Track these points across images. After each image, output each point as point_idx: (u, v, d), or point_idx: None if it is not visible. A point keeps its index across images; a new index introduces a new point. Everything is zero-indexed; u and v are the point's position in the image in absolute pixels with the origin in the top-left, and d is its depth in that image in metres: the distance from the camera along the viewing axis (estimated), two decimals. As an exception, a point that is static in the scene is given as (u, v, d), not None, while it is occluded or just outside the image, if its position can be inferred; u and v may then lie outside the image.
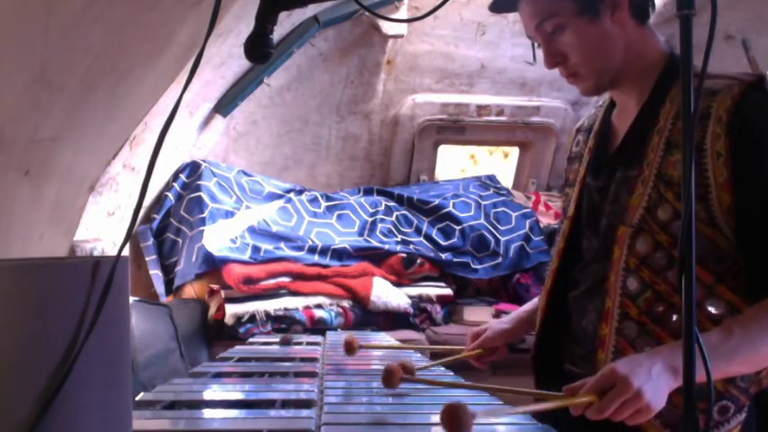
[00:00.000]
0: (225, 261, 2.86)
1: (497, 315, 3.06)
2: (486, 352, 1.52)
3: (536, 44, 1.33)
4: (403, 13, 3.10)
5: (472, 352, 1.51)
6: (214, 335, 2.82)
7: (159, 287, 3.01)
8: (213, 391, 1.27)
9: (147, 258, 3.06)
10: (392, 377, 1.18)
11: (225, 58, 2.76)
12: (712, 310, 1.15)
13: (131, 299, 1.47)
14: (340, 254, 3.10)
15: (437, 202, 3.44)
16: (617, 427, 1.17)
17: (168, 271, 3.06)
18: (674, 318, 1.16)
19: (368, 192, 3.51)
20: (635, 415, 1.03)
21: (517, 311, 1.61)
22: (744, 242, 1.14)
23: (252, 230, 3.04)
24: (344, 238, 3.18)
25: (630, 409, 1.02)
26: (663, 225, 1.17)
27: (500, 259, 3.32)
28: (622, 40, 1.24)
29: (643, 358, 1.06)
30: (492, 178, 3.80)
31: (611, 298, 1.21)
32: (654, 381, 1.02)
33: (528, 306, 1.61)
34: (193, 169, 3.18)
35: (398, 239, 3.25)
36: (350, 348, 1.53)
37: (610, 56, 1.24)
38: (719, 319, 1.15)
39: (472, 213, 3.43)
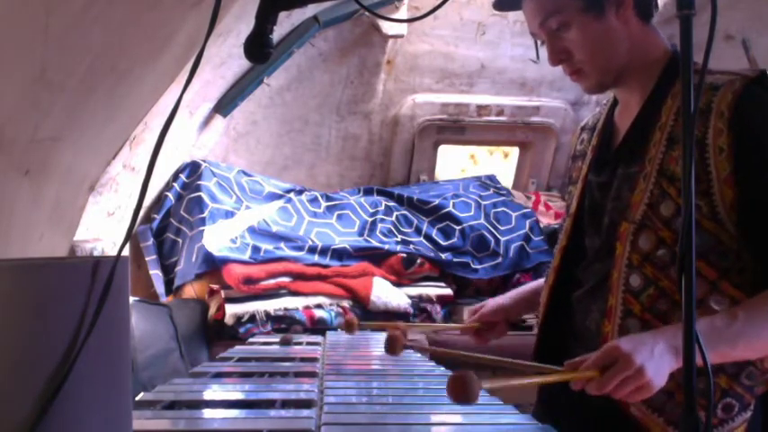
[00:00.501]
0: (225, 261, 2.86)
1: (497, 315, 3.07)
2: (484, 326, 1.53)
3: (539, 42, 1.32)
4: (403, 13, 3.10)
5: (470, 325, 1.53)
6: (214, 335, 2.82)
7: (159, 287, 3.01)
8: (213, 391, 1.27)
9: (147, 258, 3.06)
10: (395, 343, 1.18)
11: (225, 58, 2.76)
12: (715, 306, 1.15)
13: (131, 299, 1.47)
14: (340, 254, 3.10)
15: (437, 202, 3.44)
16: (619, 428, 1.17)
17: (168, 271, 3.06)
18: (678, 315, 1.16)
19: (368, 192, 3.51)
20: (635, 392, 1.03)
21: (517, 290, 1.63)
22: (746, 237, 1.14)
23: (252, 230, 3.03)
24: (344, 238, 3.17)
25: (631, 385, 1.02)
26: (665, 221, 1.17)
27: (500, 259, 3.32)
28: (626, 38, 1.24)
29: (646, 337, 1.07)
30: (492, 178, 3.80)
31: (614, 295, 1.21)
32: (656, 359, 1.03)
33: (529, 286, 1.62)
34: (193, 169, 3.18)
35: (398, 239, 3.24)
36: (349, 327, 1.55)
37: (614, 53, 1.24)
38: None
39: (472, 213, 3.43)
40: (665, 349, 1.04)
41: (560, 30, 1.24)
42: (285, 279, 2.92)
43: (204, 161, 3.22)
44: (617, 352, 1.03)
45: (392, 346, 1.19)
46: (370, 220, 3.30)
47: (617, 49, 1.24)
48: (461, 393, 0.89)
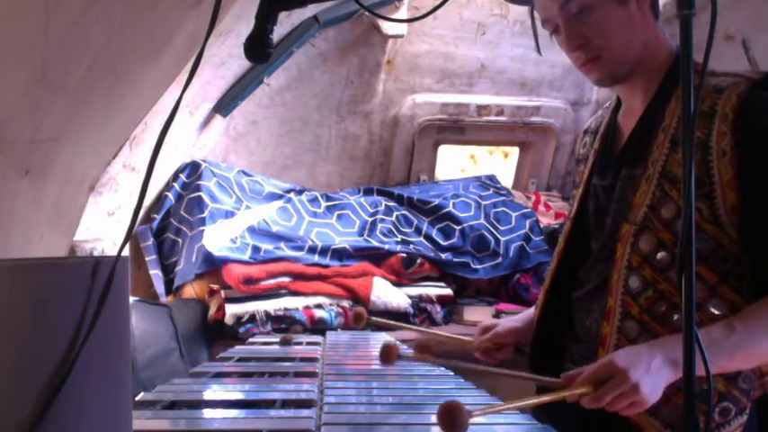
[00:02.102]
0: (225, 261, 2.86)
1: (497, 315, 3.06)
2: (493, 346, 1.51)
3: (538, 37, 1.32)
4: (403, 13, 3.10)
5: (481, 344, 1.50)
6: (214, 335, 2.82)
7: (159, 287, 3.01)
8: (213, 391, 1.27)
9: (147, 258, 3.06)
10: (389, 353, 1.18)
11: (225, 58, 2.76)
12: (714, 310, 1.15)
13: (131, 299, 1.47)
14: (340, 254, 3.10)
15: (437, 202, 3.44)
16: (616, 428, 1.17)
17: (168, 271, 3.06)
18: (675, 317, 1.16)
19: (368, 192, 3.51)
20: (629, 407, 1.03)
21: (528, 311, 1.61)
22: (748, 241, 1.14)
23: (252, 230, 3.03)
24: (344, 238, 3.17)
25: (626, 401, 1.03)
26: (666, 223, 1.17)
27: (500, 259, 3.32)
28: (643, 31, 1.23)
29: (643, 350, 1.07)
30: (492, 178, 3.80)
31: (614, 296, 1.21)
32: (652, 374, 1.03)
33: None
34: (193, 169, 3.18)
35: (398, 239, 3.24)
36: (358, 319, 1.57)
37: (632, 42, 1.23)
38: (721, 320, 1.15)
39: (472, 213, 3.42)
40: (663, 362, 1.04)
41: (581, 13, 1.22)
42: (285, 279, 2.92)
43: (204, 161, 3.22)
44: (612, 367, 1.03)
45: (387, 355, 1.19)
46: (370, 220, 3.30)
47: (635, 38, 1.23)
48: (450, 424, 0.90)
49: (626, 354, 1.06)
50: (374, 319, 1.66)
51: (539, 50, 1.38)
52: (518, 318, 1.55)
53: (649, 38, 1.24)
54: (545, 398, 1.05)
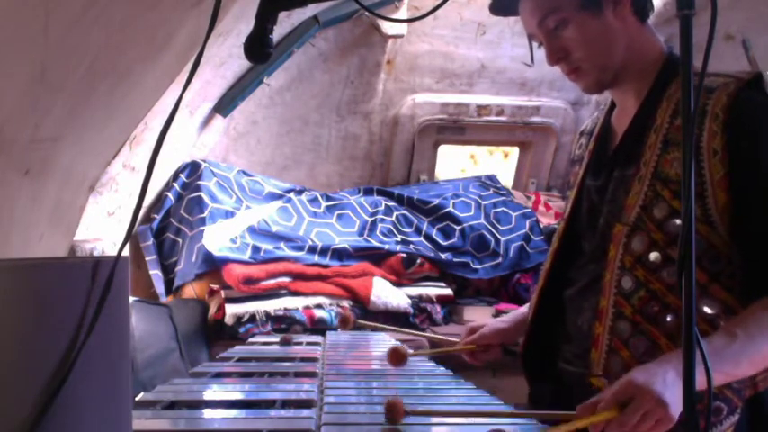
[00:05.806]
0: (225, 261, 2.86)
1: (497, 315, 3.06)
2: (479, 348, 1.52)
3: (534, 45, 1.33)
4: (403, 13, 3.10)
5: (466, 346, 1.52)
6: (214, 335, 2.82)
7: (159, 287, 3.01)
8: (213, 391, 1.27)
9: (147, 258, 3.06)
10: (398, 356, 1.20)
11: (225, 58, 2.76)
12: (707, 309, 1.15)
13: (131, 299, 1.47)
14: (340, 254, 3.10)
15: (437, 202, 3.44)
16: None
17: (168, 271, 3.06)
18: (669, 318, 1.16)
19: (368, 192, 3.51)
20: (656, 425, 1.01)
21: (516, 312, 1.61)
22: (739, 240, 1.14)
23: (252, 230, 3.03)
24: (344, 238, 3.17)
25: (652, 419, 0.99)
26: (658, 223, 1.17)
27: (500, 259, 3.32)
28: (624, 36, 1.24)
29: (655, 367, 1.04)
30: (492, 178, 3.80)
31: (606, 297, 1.22)
32: (670, 388, 1.00)
33: (527, 307, 1.60)
34: (193, 169, 3.18)
35: (398, 239, 3.24)
36: (345, 322, 1.60)
37: (612, 51, 1.24)
38: (714, 319, 1.15)
39: (472, 213, 3.43)
40: (676, 377, 1.01)
41: (558, 28, 1.24)
42: (285, 279, 2.92)
43: (204, 161, 3.22)
44: (632, 386, 1.00)
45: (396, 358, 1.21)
46: (370, 220, 3.30)
47: (615, 46, 1.24)
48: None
49: (641, 372, 1.03)
50: (360, 322, 1.69)
51: (532, 61, 1.39)
52: (506, 318, 1.55)
53: (633, 41, 1.25)
54: (565, 427, 1.02)
